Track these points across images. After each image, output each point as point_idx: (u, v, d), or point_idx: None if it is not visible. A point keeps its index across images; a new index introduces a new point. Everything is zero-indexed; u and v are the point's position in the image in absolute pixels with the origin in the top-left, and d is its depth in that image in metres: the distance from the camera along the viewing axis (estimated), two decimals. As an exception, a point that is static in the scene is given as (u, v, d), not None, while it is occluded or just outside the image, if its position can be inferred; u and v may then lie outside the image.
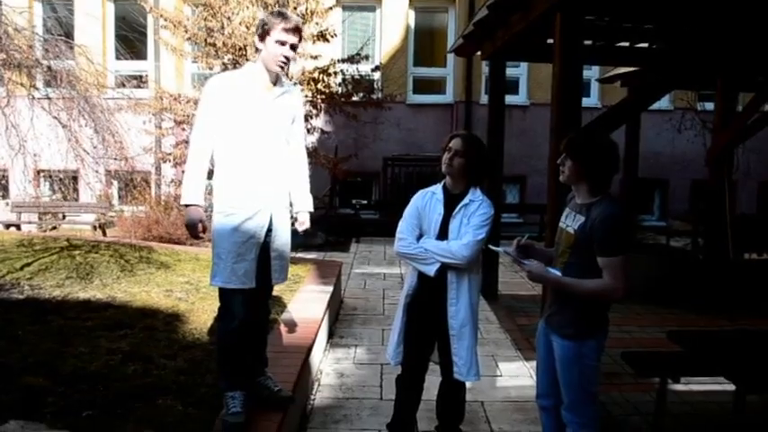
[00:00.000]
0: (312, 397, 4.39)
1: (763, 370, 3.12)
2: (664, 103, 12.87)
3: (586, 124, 4.64)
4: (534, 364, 4.91)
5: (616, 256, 2.61)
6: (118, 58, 11.89)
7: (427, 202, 3.42)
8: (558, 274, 2.80)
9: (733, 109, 7.69)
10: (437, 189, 3.44)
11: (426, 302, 3.38)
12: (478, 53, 7.51)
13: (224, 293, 3.13)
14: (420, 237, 3.38)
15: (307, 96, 11.21)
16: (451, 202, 3.35)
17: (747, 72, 7.10)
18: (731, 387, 3.75)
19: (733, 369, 3.23)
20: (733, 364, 3.26)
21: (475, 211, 3.28)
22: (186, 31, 10.67)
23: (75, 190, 12.00)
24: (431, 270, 3.27)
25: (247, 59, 10.62)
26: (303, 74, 11.06)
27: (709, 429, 4.01)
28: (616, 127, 5.02)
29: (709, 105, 10.55)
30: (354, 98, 11.58)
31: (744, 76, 7.29)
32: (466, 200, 3.31)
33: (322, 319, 5.01)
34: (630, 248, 2.66)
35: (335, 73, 11.21)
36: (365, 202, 12.82)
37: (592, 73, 12.36)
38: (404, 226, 3.43)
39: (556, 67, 4.55)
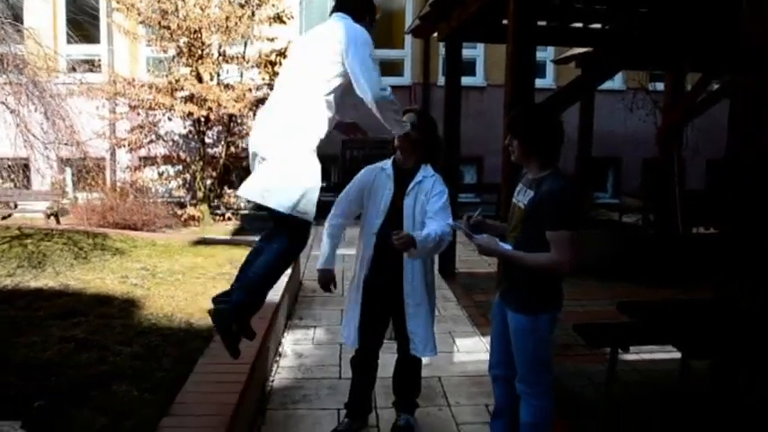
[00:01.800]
0: (271, 378, 4.41)
1: (705, 336, 3.24)
2: (617, 83, 13.10)
3: (538, 103, 4.70)
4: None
5: (563, 229, 2.65)
6: (69, 41, 11.56)
7: (375, 177, 3.42)
8: (509, 248, 2.85)
9: (682, 89, 7.88)
10: (386, 164, 3.43)
11: (382, 283, 3.40)
12: (435, 34, 7.54)
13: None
14: (358, 217, 3.39)
15: (264, 79, 11.11)
16: (402, 178, 3.35)
17: (697, 54, 7.27)
18: (678, 354, 3.90)
19: (678, 337, 3.35)
20: (677, 332, 3.38)
21: (431, 190, 3.27)
22: (140, 14, 10.46)
23: (27, 177, 11.70)
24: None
25: (203, 43, 10.47)
26: (260, 57, 10.94)
27: (656, 395, 4.15)
28: (569, 105, 5.10)
29: (660, 85, 10.78)
30: (312, 80, 11.50)
31: (693, 57, 7.47)
32: (419, 176, 3.31)
33: (280, 302, 5.01)
34: (578, 223, 2.71)
35: (293, 55, 11.10)
36: (324, 184, 12.75)
37: (547, 54, 12.50)
38: (337, 208, 3.46)
39: (509, 47, 4.60)
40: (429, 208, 3.24)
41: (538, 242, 2.71)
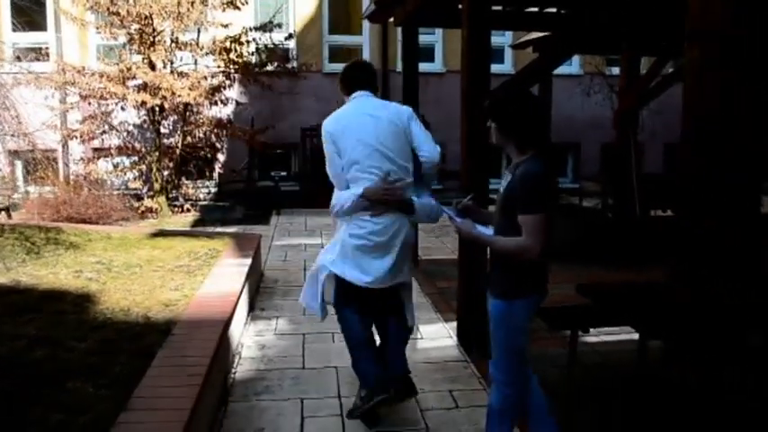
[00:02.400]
0: (233, 370, 4.34)
1: (661, 317, 3.29)
2: (574, 68, 13.24)
3: (496, 87, 4.69)
4: (453, 324, 5.04)
5: (532, 214, 2.62)
6: (15, 29, 11.16)
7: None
8: (486, 231, 2.84)
9: (637, 73, 7.99)
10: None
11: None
12: (392, 19, 7.48)
13: None
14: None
15: (219, 67, 10.92)
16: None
17: (650, 37, 7.37)
18: (636, 335, 3.96)
19: (635, 318, 3.39)
20: (635, 314, 3.43)
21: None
22: (87, 0, 10.13)
23: (-27, 171, 11.31)
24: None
25: (154, 29, 10.22)
26: (214, 43, 10.73)
27: (616, 376, 4.22)
28: (526, 89, 5.10)
29: (616, 70, 10.93)
30: (269, 68, 11.36)
31: (647, 41, 7.57)
32: None
33: (240, 292, 4.93)
34: (549, 207, 2.67)
35: (248, 42, 10.94)
36: (284, 173, 12.67)
37: (505, 39, 12.55)
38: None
39: (464, 32, 4.57)
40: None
41: (514, 227, 2.68)
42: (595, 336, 4.62)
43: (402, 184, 3.38)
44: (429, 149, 3.54)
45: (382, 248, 3.39)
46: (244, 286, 5.17)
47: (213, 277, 5.37)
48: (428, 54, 13.03)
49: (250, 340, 4.91)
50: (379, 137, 3.38)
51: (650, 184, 8.08)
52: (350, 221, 3.43)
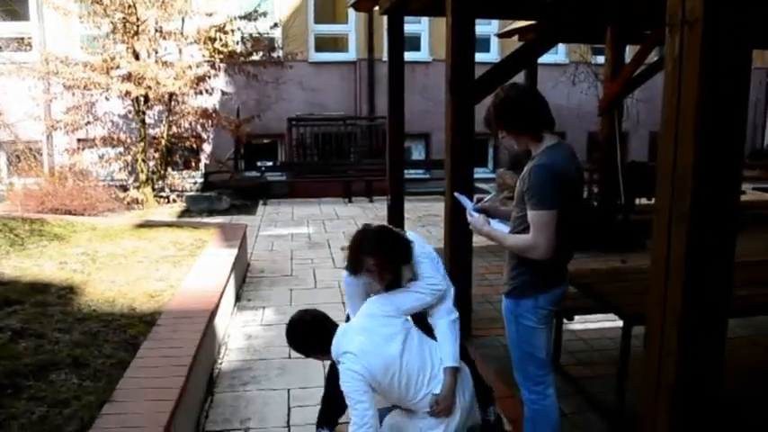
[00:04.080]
0: (219, 361, 4.34)
1: (639, 303, 3.31)
2: (560, 56, 13.25)
3: (481, 75, 4.69)
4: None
5: (539, 210, 2.49)
6: (-4, 18, 11.02)
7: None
8: (502, 228, 2.76)
9: (622, 60, 8.00)
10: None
11: None
12: (377, 7, 7.44)
13: None
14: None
15: (204, 56, 10.83)
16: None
17: (635, 24, 7.39)
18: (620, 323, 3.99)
19: (618, 304, 3.41)
20: (618, 300, 3.45)
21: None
22: (71, -12, 10.02)
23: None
24: None
25: (137, 18, 10.12)
26: (199, 32, 10.64)
27: (601, 361, 4.25)
28: (511, 76, 5.09)
29: (602, 59, 10.94)
30: (254, 57, 11.29)
31: (631, 27, 7.58)
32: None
33: (226, 283, 4.92)
34: (560, 204, 2.51)
35: (233, 31, 10.86)
36: (271, 163, 12.63)
37: (491, 28, 12.53)
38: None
39: (448, 20, 4.56)
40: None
41: (526, 222, 2.57)
42: (580, 323, 4.65)
43: None
44: None
45: None
46: (230, 276, 5.16)
47: (199, 268, 5.35)
48: (414, 43, 12.99)
49: (236, 331, 4.91)
50: None
51: (635, 172, 8.11)
52: None
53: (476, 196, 3.03)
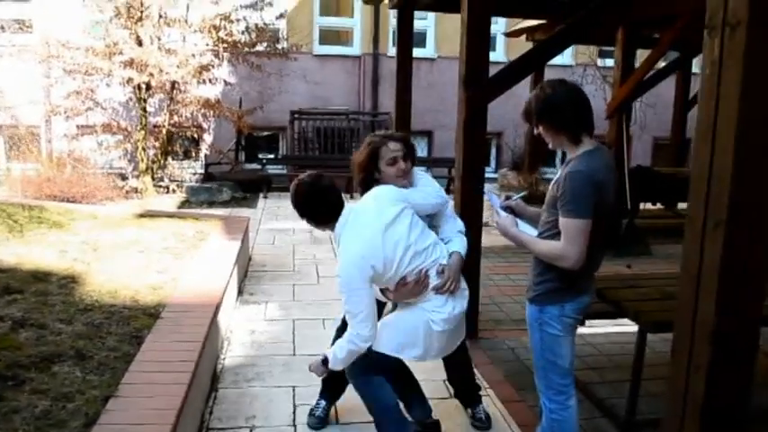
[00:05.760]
0: (222, 356, 4.27)
1: (658, 310, 3.26)
2: (566, 58, 13.18)
3: (495, 74, 4.62)
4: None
5: (573, 218, 2.41)
6: (-4, 0, 10.90)
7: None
8: (530, 231, 2.69)
9: (632, 64, 7.94)
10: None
11: None
12: (386, 1, 7.36)
13: None
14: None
15: (208, 45, 10.72)
16: None
17: (647, 26, 7.34)
18: (634, 328, 3.93)
19: (636, 311, 3.35)
20: (635, 307, 3.38)
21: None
22: (73, -28, 9.90)
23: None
24: None
25: (141, 3, 10.00)
26: (203, 21, 10.53)
27: (610, 366, 4.20)
28: (521, 78, 5.02)
29: (609, 61, 10.89)
30: (258, 48, 11.19)
31: (644, 29, 7.54)
32: None
33: (229, 277, 4.85)
34: (595, 213, 2.42)
35: (237, 20, 10.75)
36: (272, 156, 12.54)
37: (498, 27, 12.46)
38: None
39: (464, 15, 4.48)
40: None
41: (557, 229, 2.50)
42: (588, 327, 4.60)
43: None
44: None
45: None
46: (233, 270, 5.08)
47: (201, 260, 5.27)
48: (420, 39, 12.92)
49: (239, 325, 4.84)
50: None
51: (641, 177, 8.06)
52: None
53: (504, 194, 2.97)
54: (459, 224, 3.15)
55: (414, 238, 2.81)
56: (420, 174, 3.15)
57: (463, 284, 2.99)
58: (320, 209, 2.89)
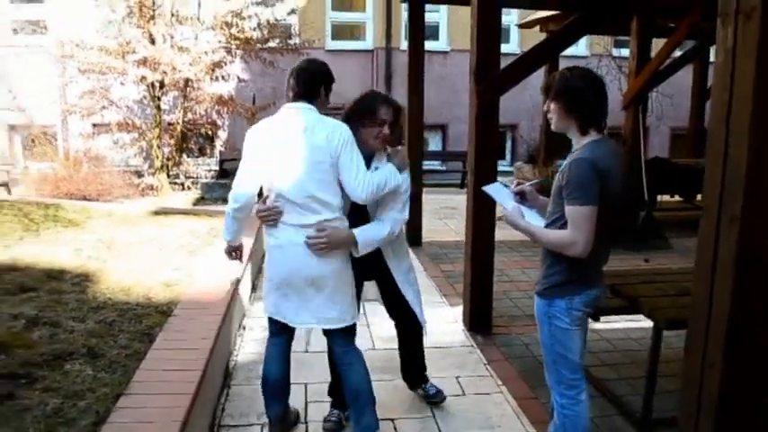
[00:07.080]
0: (235, 353, 4.27)
1: (674, 306, 3.20)
2: (581, 49, 13.06)
3: (507, 66, 4.56)
4: (459, 309, 4.96)
5: (579, 205, 2.38)
6: (12, 1, 10.98)
7: None
8: (537, 221, 2.66)
9: (647, 54, 7.83)
10: None
11: (363, 264, 3.15)
12: (398, -5, 7.33)
13: None
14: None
15: (220, 42, 10.74)
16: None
17: (663, 14, 7.22)
18: (650, 323, 3.87)
19: (651, 308, 3.29)
20: (651, 304, 3.33)
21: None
22: (86, -28, 9.95)
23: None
24: None
25: (153, 2, 10.03)
26: (215, 18, 10.54)
27: (625, 362, 4.15)
28: (535, 69, 4.97)
29: (625, 51, 10.76)
30: (271, 44, 11.19)
31: (660, 18, 7.42)
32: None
33: (243, 272, 4.85)
34: (601, 200, 2.40)
35: (249, 17, 10.76)
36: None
37: (512, 18, 12.36)
38: None
39: (474, 7, 4.43)
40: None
41: (564, 218, 2.47)
42: (603, 323, 4.54)
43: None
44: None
45: None
46: (246, 266, 5.08)
47: (215, 257, 5.27)
48: (432, 32, 12.84)
49: (253, 322, 4.83)
50: None
51: (659, 168, 7.96)
52: None
53: (515, 180, 2.92)
54: (398, 211, 3.08)
55: (306, 168, 2.90)
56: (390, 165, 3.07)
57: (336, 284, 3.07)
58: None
